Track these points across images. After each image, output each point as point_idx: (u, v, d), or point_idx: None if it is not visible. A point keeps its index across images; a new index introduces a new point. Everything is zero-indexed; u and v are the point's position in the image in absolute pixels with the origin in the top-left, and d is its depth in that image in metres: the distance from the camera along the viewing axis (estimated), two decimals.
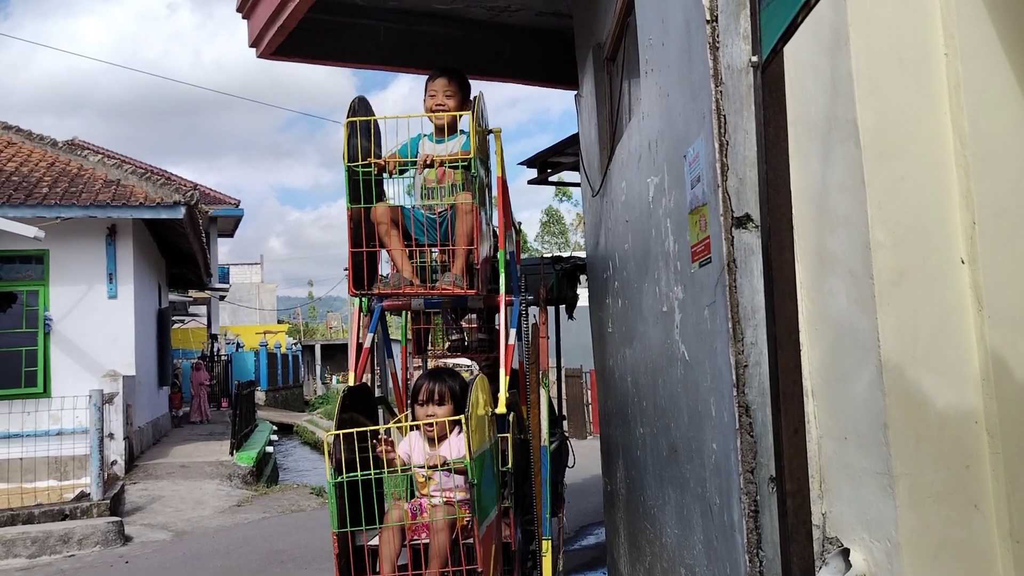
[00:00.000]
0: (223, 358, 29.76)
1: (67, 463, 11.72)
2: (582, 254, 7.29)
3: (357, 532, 3.30)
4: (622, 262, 4.81)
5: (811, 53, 2.75)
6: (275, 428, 23.51)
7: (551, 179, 9.85)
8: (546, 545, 4.11)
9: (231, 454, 15.07)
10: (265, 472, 15.97)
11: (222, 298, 30.98)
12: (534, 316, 4.62)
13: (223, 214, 26.45)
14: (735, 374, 2.67)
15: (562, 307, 7.02)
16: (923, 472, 2.49)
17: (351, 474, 3.16)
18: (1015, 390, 2.51)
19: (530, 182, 9.68)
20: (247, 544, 9.06)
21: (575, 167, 8.53)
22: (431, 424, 3.38)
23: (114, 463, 12.08)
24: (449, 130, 3.95)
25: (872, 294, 2.53)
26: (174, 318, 24.13)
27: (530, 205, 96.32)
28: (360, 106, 3.76)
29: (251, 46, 6.51)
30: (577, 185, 8.04)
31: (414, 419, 3.59)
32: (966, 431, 2.53)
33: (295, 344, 45.81)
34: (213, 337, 29.25)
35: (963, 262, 2.58)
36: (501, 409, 3.49)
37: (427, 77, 4.05)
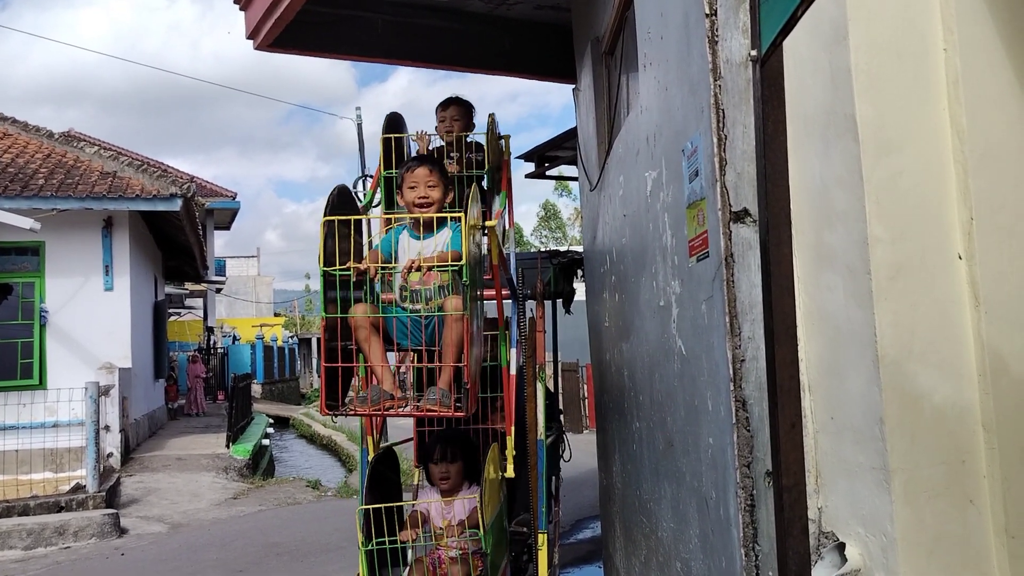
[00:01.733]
0: (219, 351, 29.75)
1: (63, 455, 11.71)
2: (579, 248, 7.29)
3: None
4: (619, 256, 4.81)
5: (810, 48, 2.75)
6: (271, 421, 23.50)
7: (549, 173, 9.85)
8: (542, 539, 4.12)
9: (227, 447, 15.07)
10: (261, 465, 15.97)
11: (218, 291, 30.94)
12: (531, 310, 4.61)
13: (220, 206, 26.36)
14: (732, 369, 2.67)
15: (559, 301, 7.02)
16: (919, 467, 2.49)
17: (379, 540, 3.53)
18: (1011, 386, 2.51)
19: (528, 176, 9.68)
20: (243, 537, 9.06)
21: (573, 161, 8.52)
22: (446, 478, 3.90)
23: (110, 455, 12.07)
24: (428, 225, 3.60)
25: (869, 289, 2.53)
26: (170, 311, 24.11)
27: (528, 199, 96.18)
28: (339, 199, 3.45)
29: (248, 38, 6.49)
30: (575, 179, 8.03)
31: (428, 475, 4.03)
32: (962, 426, 2.53)
33: (291, 337, 45.79)
34: (209, 330, 29.21)
35: (960, 258, 2.59)
36: (510, 473, 3.77)
37: (405, 166, 3.74)
